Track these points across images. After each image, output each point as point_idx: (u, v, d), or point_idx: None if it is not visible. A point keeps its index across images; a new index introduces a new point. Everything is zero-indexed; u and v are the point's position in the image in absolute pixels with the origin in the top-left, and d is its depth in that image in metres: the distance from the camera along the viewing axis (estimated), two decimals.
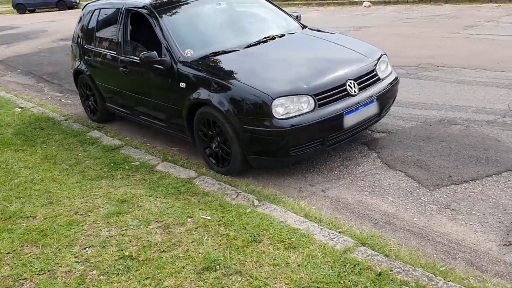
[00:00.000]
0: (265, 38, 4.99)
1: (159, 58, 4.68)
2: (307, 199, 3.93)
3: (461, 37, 8.86)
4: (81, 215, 3.82)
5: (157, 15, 4.97)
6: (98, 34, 6.06)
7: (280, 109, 3.95)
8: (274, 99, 3.92)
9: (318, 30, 5.46)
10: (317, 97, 4.04)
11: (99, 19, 6.08)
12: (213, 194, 4.01)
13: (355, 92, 4.23)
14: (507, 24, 9.67)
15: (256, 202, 3.80)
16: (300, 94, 4.01)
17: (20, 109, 7.38)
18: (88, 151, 5.29)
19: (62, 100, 8.15)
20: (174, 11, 5.19)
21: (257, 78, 4.24)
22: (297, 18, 5.83)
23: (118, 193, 4.13)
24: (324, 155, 4.63)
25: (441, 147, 4.48)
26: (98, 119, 6.53)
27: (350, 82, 4.23)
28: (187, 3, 5.30)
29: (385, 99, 4.56)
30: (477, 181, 3.85)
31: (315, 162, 4.55)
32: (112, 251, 3.28)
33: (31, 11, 33.25)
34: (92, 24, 6.19)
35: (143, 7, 5.15)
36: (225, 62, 4.54)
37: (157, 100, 5.02)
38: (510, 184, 3.75)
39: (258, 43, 4.90)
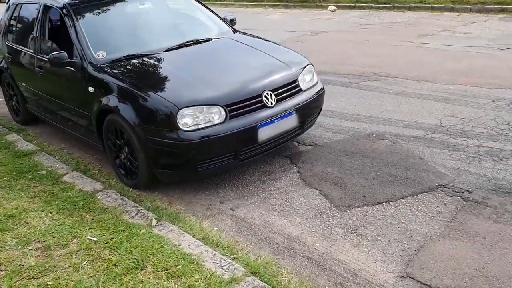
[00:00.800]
0: (187, 42, 4.71)
1: (69, 60, 4.35)
2: (212, 219, 3.66)
3: (413, 46, 8.74)
4: None
5: (73, 14, 4.63)
6: (19, 31, 5.69)
7: (188, 120, 3.67)
8: (180, 109, 3.64)
9: (249, 35, 5.21)
10: (228, 108, 3.78)
11: (21, 14, 5.70)
12: (111, 210, 3.71)
13: (271, 103, 3.98)
14: (461, 35, 9.59)
15: (154, 222, 3.52)
16: (210, 105, 3.74)
17: None
18: None
19: None
20: (94, 10, 4.86)
21: (166, 85, 3.96)
22: (232, 22, 5.56)
23: (9, 207, 3.79)
24: (242, 169, 4.37)
25: (363, 163, 4.28)
26: (21, 121, 6.15)
27: (267, 93, 3.98)
28: (111, 3, 4.97)
29: (307, 111, 4.33)
30: (390, 203, 3.65)
31: (231, 176, 4.29)
32: None
33: None
34: (14, 19, 5.81)
35: (60, 4, 4.81)
36: (136, 67, 4.24)
37: (70, 104, 4.69)
38: (423, 207, 3.55)
39: (179, 47, 4.61)
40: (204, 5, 5.55)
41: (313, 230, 3.41)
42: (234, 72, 4.23)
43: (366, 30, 10.98)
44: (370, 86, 6.46)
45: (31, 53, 5.20)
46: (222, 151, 3.82)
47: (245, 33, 5.23)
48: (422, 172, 4.03)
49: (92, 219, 3.58)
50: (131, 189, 4.16)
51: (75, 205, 3.80)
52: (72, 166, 4.67)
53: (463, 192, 3.69)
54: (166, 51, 4.51)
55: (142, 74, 4.16)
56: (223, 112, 3.75)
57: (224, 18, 5.51)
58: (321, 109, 4.70)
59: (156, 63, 4.28)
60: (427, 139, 4.64)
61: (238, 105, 3.83)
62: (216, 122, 3.74)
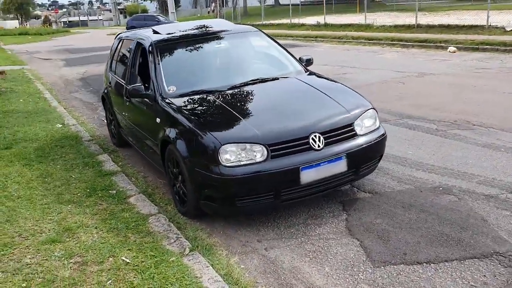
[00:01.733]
0: (253, 80, 4.86)
1: (144, 92, 4.76)
2: (243, 256, 3.69)
3: None
4: (22, 237, 3.93)
5: (155, 51, 5.07)
6: (118, 62, 6.34)
7: (229, 156, 3.79)
8: (222, 145, 3.78)
9: (319, 76, 5.21)
10: (271, 147, 3.82)
11: (122, 47, 6.36)
12: (155, 235, 3.93)
13: (318, 146, 3.94)
14: None
15: (187, 251, 3.65)
16: (253, 143, 3.83)
17: (60, 125, 7.91)
18: (83, 173, 5.48)
19: (104, 120, 8.60)
20: (175, 48, 5.28)
21: (216, 121, 4.15)
22: (309, 62, 5.59)
23: (71, 221, 4.20)
24: (290, 210, 4.34)
25: (417, 218, 4.00)
26: (116, 143, 6.78)
27: (315, 135, 3.95)
28: (192, 42, 5.35)
29: (362, 157, 4.19)
30: (431, 264, 3.36)
31: (277, 216, 4.28)
32: (18, 279, 3.31)
33: None
34: (115, 52, 6.51)
35: (148, 42, 5.29)
36: (195, 102, 4.50)
37: (145, 132, 5.09)
38: (467, 274, 3.21)
39: (243, 85, 4.79)
40: (280, 44, 5.68)
41: (338, 283, 3.26)
42: (287, 113, 4.27)
43: (479, 75, 10.25)
44: (457, 135, 6.01)
45: (123, 83, 5.77)
46: (262, 190, 3.85)
47: (317, 75, 5.24)
48: (479, 235, 3.65)
49: (135, 241, 3.82)
50: (182, 216, 4.36)
51: (126, 226, 4.09)
52: (141, 189, 5.03)
53: None
54: (230, 88, 4.72)
55: (198, 109, 4.39)
56: (265, 151, 3.80)
57: (300, 58, 5.59)
58: (381, 156, 4.51)
59: (215, 99, 4.49)
60: (500, 199, 4.19)
61: (282, 145, 3.86)
62: (258, 160, 3.80)
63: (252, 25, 25.60)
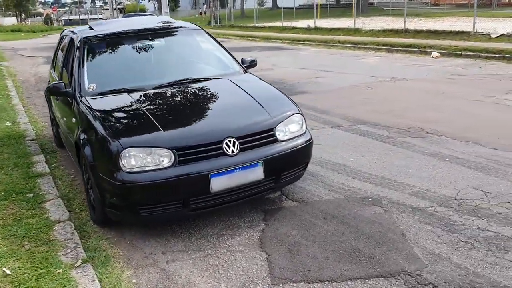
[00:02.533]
0: (181, 80, 4.61)
1: (64, 90, 4.51)
2: (140, 269, 3.42)
3: (492, 103, 7.70)
4: None
5: (83, 47, 4.82)
6: (56, 60, 6.11)
7: (134, 161, 3.53)
8: (124, 149, 3.52)
9: (253, 78, 4.92)
10: (179, 152, 3.56)
11: (61, 45, 6.11)
12: (53, 243, 3.67)
13: (232, 152, 3.68)
14: None
15: (79, 262, 3.39)
16: (159, 147, 3.56)
17: (10, 124, 7.66)
18: (9, 175, 5.21)
19: None
20: (106, 45, 5.03)
21: (124, 123, 3.89)
22: (252, 63, 5.35)
23: None
24: (208, 218, 4.08)
25: (334, 231, 3.73)
26: (57, 143, 6.51)
27: (230, 140, 3.69)
28: (123, 39, 5.10)
29: (282, 164, 3.93)
30: (333, 283, 3.10)
31: (193, 225, 4.01)
32: None
33: None
34: (57, 49, 6.27)
35: (78, 38, 5.04)
36: (109, 102, 4.24)
37: (68, 133, 4.83)
38: None
39: (170, 85, 4.53)
40: (221, 44, 5.42)
41: None
42: (205, 116, 4.03)
43: (453, 81, 10.00)
44: (406, 142, 5.76)
45: (56, 79, 5.52)
46: (168, 198, 3.60)
47: (253, 77, 4.96)
48: (392, 252, 3.39)
49: (28, 250, 3.56)
50: (93, 223, 4.10)
51: (26, 233, 3.83)
52: (63, 193, 4.77)
53: (426, 285, 3.00)
54: (155, 88, 4.46)
55: (109, 110, 4.13)
56: (173, 156, 3.54)
57: (242, 59, 5.34)
58: (307, 163, 4.25)
59: (132, 99, 4.23)
60: (426, 213, 3.93)
61: (192, 150, 3.61)
62: (165, 165, 3.54)
63: (245, 27, 25.59)
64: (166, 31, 5.34)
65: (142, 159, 3.54)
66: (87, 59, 4.74)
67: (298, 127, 4.13)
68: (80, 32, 5.25)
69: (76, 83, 4.51)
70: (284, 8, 29.53)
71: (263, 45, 22.58)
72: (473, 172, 4.73)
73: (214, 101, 4.37)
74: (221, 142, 3.67)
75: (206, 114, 4.07)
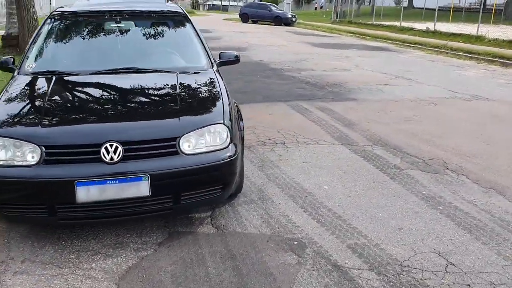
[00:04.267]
0: (124, 69, 4.12)
1: (10, 66, 4.30)
2: None
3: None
4: None
5: (47, 22, 4.58)
6: None
7: (2, 153, 3.13)
8: None
9: (211, 78, 4.18)
10: (48, 150, 3.09)
11: None
12: None
13: (111, 159, 3.11)
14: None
15: None
16: (27, 141, 3.12)
17: None
18: None
19: None
20: (72, 22, 4.75)
21: (18, 109, 3.50)
22: (236, 58, 4.69)
23: None
24: (108, 229, 3.55)
25: (215, 276, 2.99)
26: None
27: (111, 145, 3.12)
28: (94, 17, 4.76)
29: (179, 181, 3.26)
30: None
31: (84, 234, 3.52)
32: None
33: (254, 22, 35.92)
34: None
35: (50, 14, 4.81)
36: (26, 85, 3.90)
37: None
38: None
39: (109, 72, 4.07)
40: (199, 35, 4.78)
41: None
42: (104, 112, 3.51)
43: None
44: (409, 177, 4.63)
45: None
46: (29, 200, 3.15)
47: (216, 74, 4.28)
48: None
49: None
50: None
51: None
52: None
53: None
54: (92, 73, 4.04)
55: (17, 93, 3.77)
56: (39, 153, 3.08)
57: (221, 53, 4.69)
58: (224, 185, 3.49)
59: (49, 85, 3.83)
60: (345, 276, 2.98)
61: (62, 150, 3.12)
62: (30, 163, 3.09)
63: (363, 24, 24.36)
64: (144, 15, 4.87)
65: (12, 152, 3.12)
66: (47, 36, 4.47)
67: (217, 140, 3.41)
68: (66, 7, 4.99)
69: (22, 60, 4.25)
70: (421, 8, 27.18)
71: (367, 44, 21.15)
72: (458, 231, 3.59)
73: (132, 97, 3.82)
74: (99, 145, 3.11)
75: (110, 111, 3.55)
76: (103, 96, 3.84)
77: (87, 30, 4.65)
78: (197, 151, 3.31)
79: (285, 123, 6.54)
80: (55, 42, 4.51)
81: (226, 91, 3.93)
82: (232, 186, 3.58)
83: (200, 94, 3.94)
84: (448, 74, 12.18)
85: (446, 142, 5.81)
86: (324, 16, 43.75)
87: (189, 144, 3.29)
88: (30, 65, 4.16)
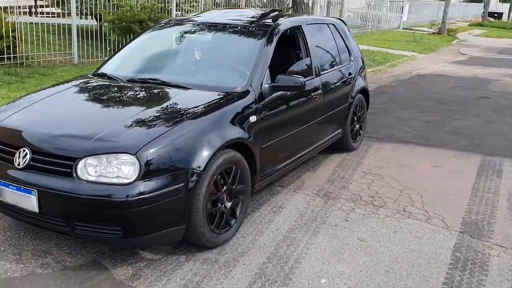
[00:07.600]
0: (163, 82, 4.13)
1: None
2: None
3: None
4: None
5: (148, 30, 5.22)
6: None
7: None
8: None
9: (217, 101, 3.82)
10: None
11: None
12: None
13: (19, 164, 3.14)
14: None
15: None
16: None
17: None
18: None
19: None
20: (171, 30, 5.15)
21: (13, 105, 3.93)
22: (296, 84, 4.03)
23: None
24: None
25: None
26: None
27: (25, 150, 3.16)
28: (191, 26, 5.01)
29: (70, 209, 3.06)
30: None
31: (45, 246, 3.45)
32: None
33: None
34: None
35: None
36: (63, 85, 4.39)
37: None
38: None
39: (141, 81, 4.20)
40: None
41: None
42: (67, 118, 3.64)
43: None
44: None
45: None
46: None
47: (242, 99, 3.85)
48: None
49: None
50: None
51: None
52: None
53: None
54: (128, 80, 4.27)
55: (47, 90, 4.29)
56: None
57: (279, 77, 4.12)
58: (121, 228, 3.04)
59: (83, 86, 4.29)
60: None
61: None
62: None
63: None
64: (237, 28, 4.71)
65: None
66: (140, 41, 5.05)
67: (126, 172, 3.01)
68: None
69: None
70: None
71: None
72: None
73: (122, 106, 3.88)
74: (17, 148, 3.21)
75: (73, 115, 3.71)
76: (74, 102, 4.00)
77: (177, 39, 5.00)
78: (100, 179, 2.99)
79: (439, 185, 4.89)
80: (142, 49, 5.01)
81: (205, 116, 3.52)
82: (144, 230, 3.11)
83: (162, 116, 3.55)
84: None
85: None
86: None
87: (92, 169, 3.01)
88: (104, 68, 4.66)
